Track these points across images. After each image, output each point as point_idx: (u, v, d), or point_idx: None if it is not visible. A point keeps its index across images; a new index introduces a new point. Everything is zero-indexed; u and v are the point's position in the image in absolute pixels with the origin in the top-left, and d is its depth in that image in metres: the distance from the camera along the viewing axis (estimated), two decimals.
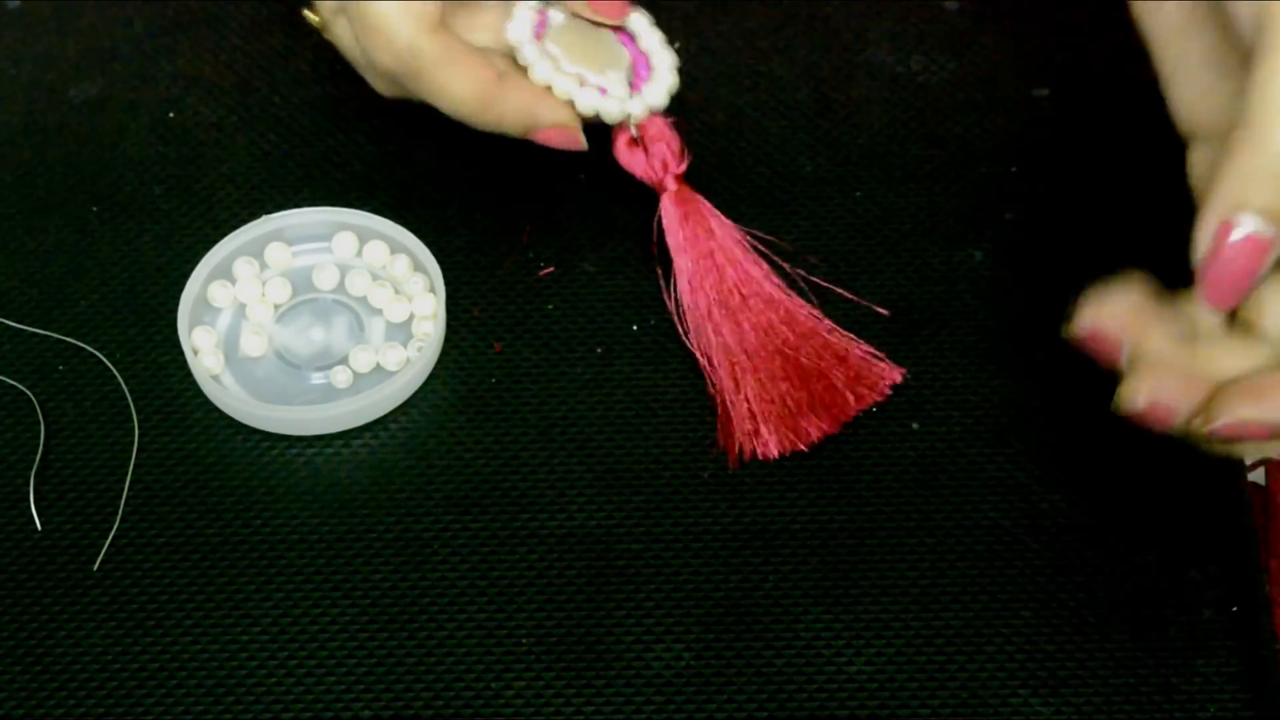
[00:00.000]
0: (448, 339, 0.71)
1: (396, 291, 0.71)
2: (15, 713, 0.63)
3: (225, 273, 0.72)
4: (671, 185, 0.70)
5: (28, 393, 0.70)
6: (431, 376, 0.70)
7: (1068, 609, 0.65)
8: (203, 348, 0.70)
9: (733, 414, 0.67)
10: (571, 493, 0.67)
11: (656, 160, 0.70)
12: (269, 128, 0.77)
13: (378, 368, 0.70)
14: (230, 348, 0.70)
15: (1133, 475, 0.67)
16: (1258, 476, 0.71)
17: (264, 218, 0.72)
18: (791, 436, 0.67)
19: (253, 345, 0.70)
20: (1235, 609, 0.65)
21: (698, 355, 0.68)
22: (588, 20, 0.70)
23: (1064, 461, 0.68)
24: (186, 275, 0.71)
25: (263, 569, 0.66)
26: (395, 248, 0.72)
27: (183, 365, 0.70)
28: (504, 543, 0.66)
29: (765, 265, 0.69)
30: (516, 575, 0.66)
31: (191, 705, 0.63)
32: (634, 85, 0.70)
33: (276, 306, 0.71)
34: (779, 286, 0.69)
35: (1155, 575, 0.65)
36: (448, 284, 0.71)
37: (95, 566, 0.66)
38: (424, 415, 0.69)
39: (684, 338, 0.69)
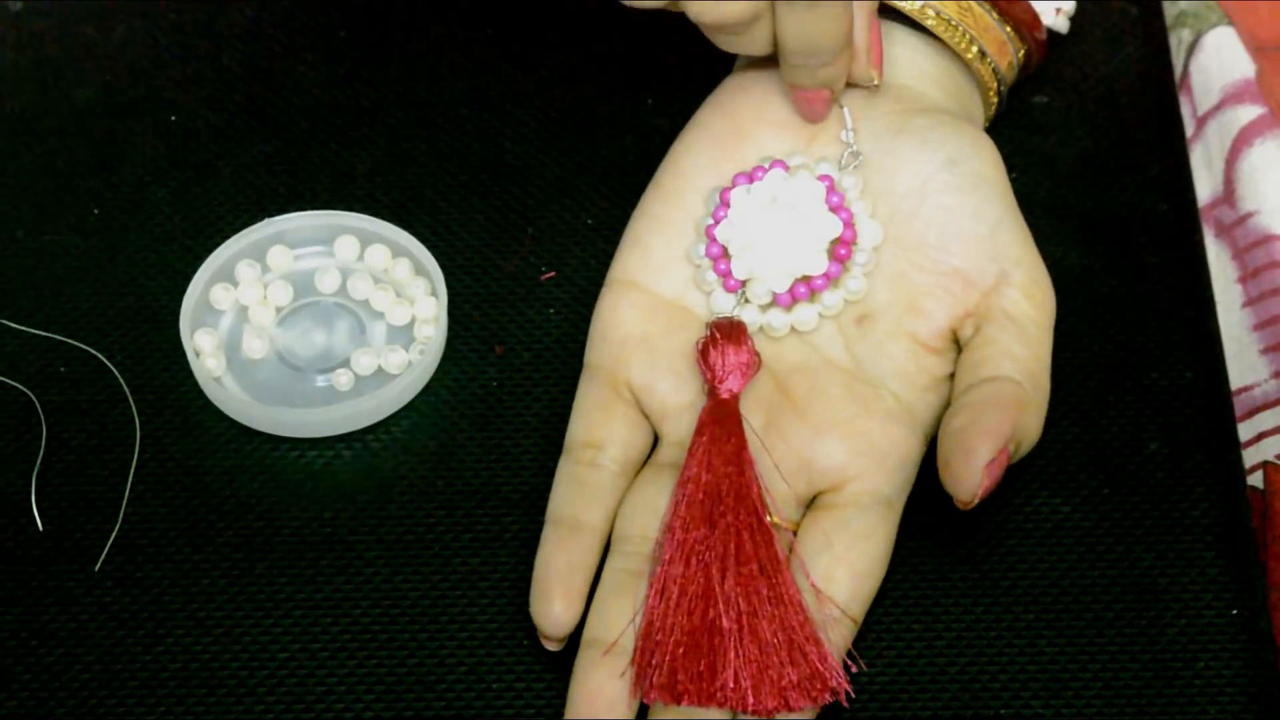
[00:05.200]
0: (449, 342, 0.71)
1: (398, 295, 0.71)
2: (16, 713, 0.63)
3: (227, 275, 0.71)
4: (723, 394, 0.64)
5: (29, 394, 0.69)
6: (433, 379, 0.70)
7: (1068, 611, 0.65)
8: (205, 350, 0.69)
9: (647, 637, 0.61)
10: None
11: (712, 365, 0.64)
12: (271, 131, 0.76)
13: (379, 370, 0.69)
14: (232, 350, 0.70)
15: (1132, 477, 0.67)
16: (1256, 480, 0.71)
17: (266, 221, 0.72)
18: (691, 688, 0.61)
19: (254, 348, 0.70)
20: (1235, 611, 0.64)
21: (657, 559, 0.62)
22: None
23: (1064, 463, 0.68)
24: (189, 278, 0.70)
25: (264, 570, 0.66)
26: (397, 251, 0.72)
27: (185, 367, 0.70)
28: (505, 544, 0.66)
29: (769, 530, 0.62)
30: (517, 577, 0.65)
31: (193, 705, 0.63)
32: (832, 268, 0.65)
33: (278, 309, 0.71)
34: (773, 554, 0.62)
35: (1155, 577, 0.65)
36: (449, 287, 0.71)
37: (96, 567, 0.66)
38: (425, 418, 0.69)
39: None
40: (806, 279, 0.66)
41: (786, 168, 0.66)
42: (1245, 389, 0.72)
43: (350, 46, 0.78)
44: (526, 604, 0.64)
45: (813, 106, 0.66)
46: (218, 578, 0.65)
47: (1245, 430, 0.72)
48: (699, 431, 0.64)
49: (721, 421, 0.64)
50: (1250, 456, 0.71)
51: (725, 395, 0.64)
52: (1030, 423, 0.63)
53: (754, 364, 0.64)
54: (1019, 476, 0.66)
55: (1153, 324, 0.70)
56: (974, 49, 0.68)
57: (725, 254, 0.66)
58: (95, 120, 0.77)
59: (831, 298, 0.66)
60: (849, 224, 0.66)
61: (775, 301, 0.66)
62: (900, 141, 0.67)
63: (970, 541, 0.66)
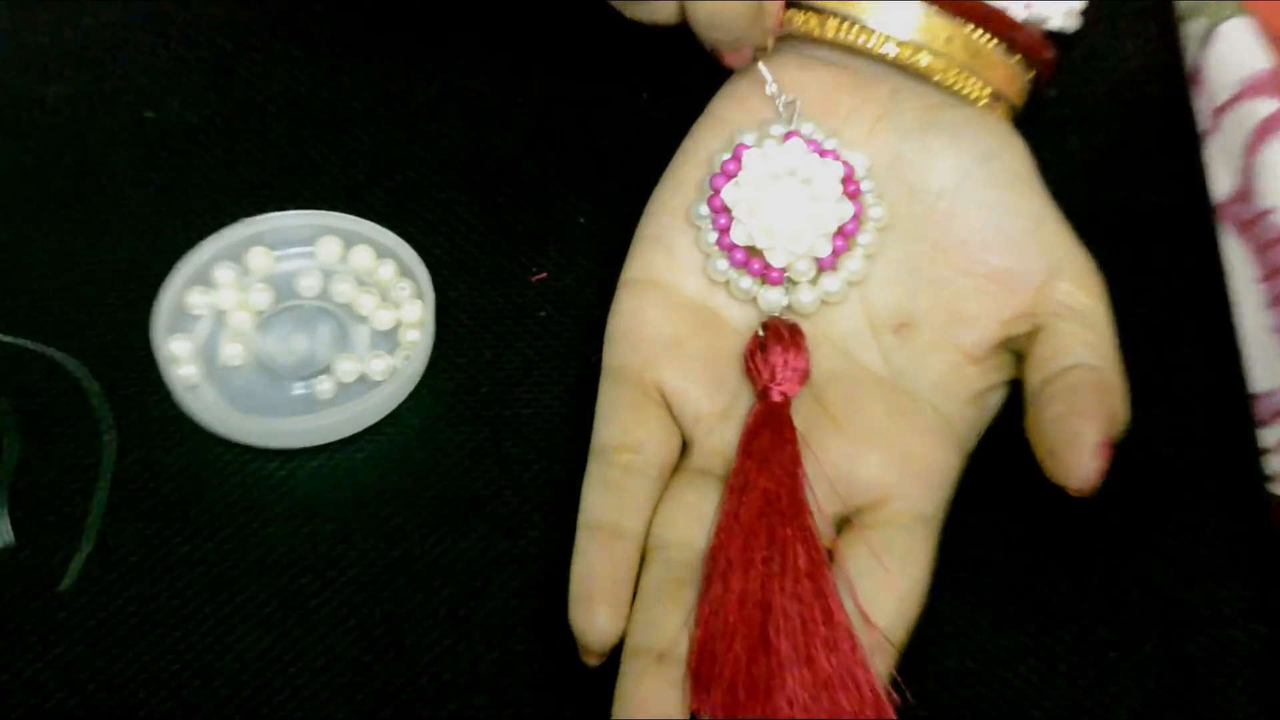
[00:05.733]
0: (436, 347, 0.71)
1: (383, 298, 0.71)
2: None
3: (204, 278, 0.71)
4: (776, 397, 0.64)
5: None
6: (419, 387, 0.70)
7: (1087, 629, 0.64)
8: (180, 356, 0.69)
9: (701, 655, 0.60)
10: (568, 509, 0.65)
11: (770, 366, 0.64)
12: (251, 127, 0.76)
13: (363, 377, 0.70)
14: (209, 357, 0.70)
15: (1149, 487, 0.67)
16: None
17: (245, 221, 0.72)
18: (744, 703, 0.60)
19: (232, 354, 0.70)
20: (1259, 627, 0.64)
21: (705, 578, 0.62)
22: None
23: None
24: (164, 281, 0.70)
25: (242, 587, 0.65)
26: (382, 252, 0.72)
27: (159, 375, 0.69)
28: (496, 562, 0.66)
29: (821, 548, 0.62)
30: (509, 596, 0.65)
31: None
32: (838, 241, 0.66)
33: (257, 313, 0.71)
34: (824, 574, 0.61)
35: (1174, 590, 0.65)
36: (436, 290, 0.71)
37: (69, 582, 0.65)
38: (411, 427, 0.69)
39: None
40: (839, 231, 0.66)
41: (747, 146, 0.66)
42: (1267, 394, 0.71)
43: (332, 41, 0.78)
44: (519, 622, 0.64)
45: (732, 59, 0.67)
46: (194, 595, 0.65)
47: (1267, 436, 0.70)
48: (753, 434, 0.63)
49: (776, 426, 0.63)
50: (1273, 463, 0.69)
51: (779, 399, 0.64)
52: (1120, 405, 0.63)
53: (808, 371, 0.64)
54: (1032, 488, 0.64)
55: (1168, 326, 0.70)
56: (986, 92, 0.68)
57: (750, 253, 0.66)
58: (68, 117, 0.77)
59: (865, 237, 0.66)
60: (838, 157, 0.66)
61: (822, 267, 0.66)
62: (930, 137, 0.67)
63: (981, 558, 0.65)
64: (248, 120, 0.76)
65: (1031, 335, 0.64)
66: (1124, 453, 0.65)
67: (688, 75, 0.72)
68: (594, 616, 0.60)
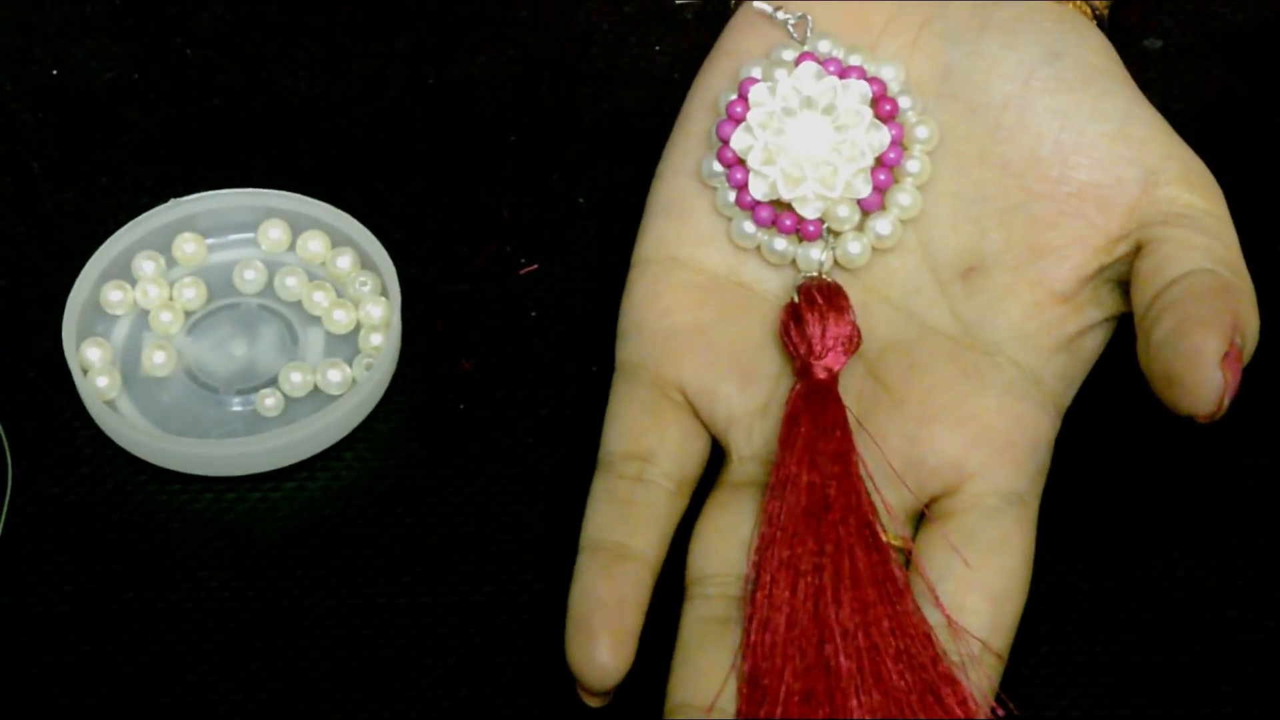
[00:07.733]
0: (404, 355, 0.68)
1: (339, 295, 0.69)
2: None
3: (123, 271, 0.69)
4: (819, 374, 0.61)
5: None
6: (383, 402, 0.67)
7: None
8: (94, 365, 0.67)
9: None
10: (565, 547, 0.61)
11: (807, 337, 0.61)
12: (179, 87, 0.74)
13: (315, 391, 0.67)
14: (129, 366, 0.68)
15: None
16: None
17: (172, 201, 0.70)
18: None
19: (157, 362, 0.67)
20: None
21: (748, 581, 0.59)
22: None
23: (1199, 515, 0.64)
24: (74, 275, 0.68)
25: (170, 644, 0.62)
26: (338, 239, 0.70)
27: (70, 387, 0.67)
28: (478, 611, 0.63)
29: (885, 547, 0.59)
30: (494, 652, 0.62)
31: None
32: (877, 187, 0.63)
33: (187, 314, 0.69)
34: (891, 576, 0.58)
35: None
36: (404, 285, 0.68)
37: None
38: (374, 451, 0.66)
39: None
40: (879, 162, 0.64)
41: (755, 80, 0.65)
42: None
43: None
44: (507, 685, 0.61)
45: None
46: (112, 652, 0.62)
47: None
48: (793, 420, 0.60)
49: (820, 408, 0.60)
50: None
51: (822, 375, 0.61)
52: (1246, 312, 0.59)
53: (856, 338, 0.61)
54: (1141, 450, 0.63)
55: None
56: None
57: (777, 208, 0.63)
58: None
59: (913, 165, 0.64)
60: (865, 75, 0.64)
61: (867, 209, 0.63)
62: (985, 40, 0.64)
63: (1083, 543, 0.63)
64: (173, 79, 0.74)
65: (1135, 254, 0.61)
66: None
67: (707, 25, 0.71)
68: (593, 649, 0.58)
